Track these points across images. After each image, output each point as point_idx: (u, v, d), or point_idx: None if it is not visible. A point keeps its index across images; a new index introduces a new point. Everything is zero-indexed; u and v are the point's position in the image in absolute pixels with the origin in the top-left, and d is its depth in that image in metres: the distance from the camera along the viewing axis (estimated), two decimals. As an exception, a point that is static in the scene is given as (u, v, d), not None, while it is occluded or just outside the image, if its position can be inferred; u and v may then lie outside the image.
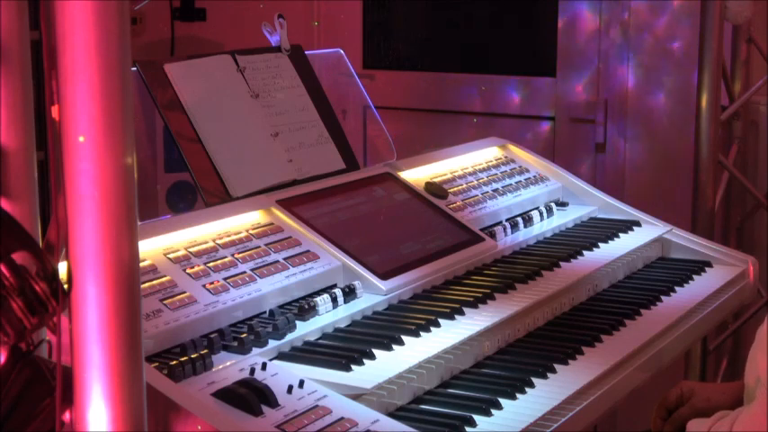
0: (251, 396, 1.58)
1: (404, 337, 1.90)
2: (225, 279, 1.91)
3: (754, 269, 2.66)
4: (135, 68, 2.19)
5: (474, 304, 2.08)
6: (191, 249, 1.94)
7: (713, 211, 3.57)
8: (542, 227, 2.65)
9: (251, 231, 2.07)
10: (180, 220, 2.05)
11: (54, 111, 1.20)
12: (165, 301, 1.79)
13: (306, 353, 1.83)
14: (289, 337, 1.85)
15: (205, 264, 1.93)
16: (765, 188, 3.78)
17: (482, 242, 2.40)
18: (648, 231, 2.72)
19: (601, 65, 3.96)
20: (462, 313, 2.04)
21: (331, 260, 2.10)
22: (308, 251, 2.09)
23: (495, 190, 2.68)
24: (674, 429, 2.22)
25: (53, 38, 1.17)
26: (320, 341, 1.90)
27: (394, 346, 1.87)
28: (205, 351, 1.72)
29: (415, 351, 1.86)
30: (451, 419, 1.71)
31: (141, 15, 4.14)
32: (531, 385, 1.86)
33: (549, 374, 1.91)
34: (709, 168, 3.55)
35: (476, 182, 2.67)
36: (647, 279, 2.51)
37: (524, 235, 2.57)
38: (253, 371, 1.69)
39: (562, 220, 2.73)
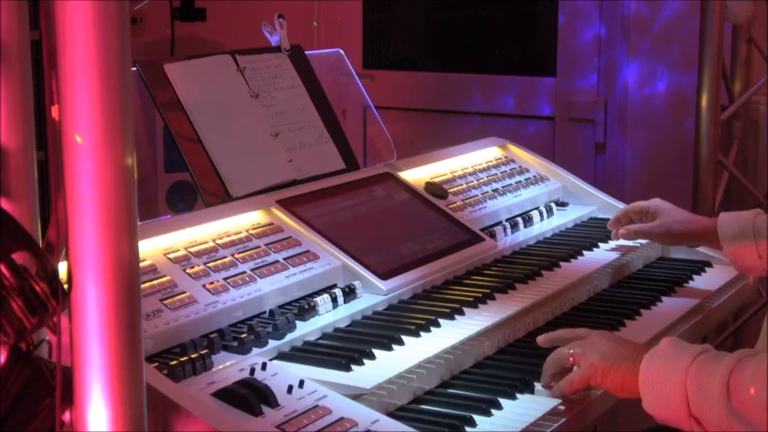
0: (251, 396, 1.58)
1: (404, 337, 1.90)
2: (225, 279, 1.91)
3: (755, 269, 2.65)
4: (135, 68, 2.19)
5: (474, 304, 2.08)
6: (191, 249, 1.94)
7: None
8: (542, 227, 2.65)
9: (251, 231, 2.07)
10: (180, 220, 2.05)
11: (54, 111, 1.20)
12: (165, 301, 1.79)
13: (306, 353, 1.83)
14: (289, 337, 1.85)
15: (205, 264, 1.92)
16: (765, 188, 3.78)
17: (482, 242, 2.39)
18: (648, 231, 2.71)
19: (601, 65, 3.95)
20: (462, 313, 2.04)
21: (331, 260, 2.10)
22: (307, 251, 2.09)
23: (495, 190, 2.67)
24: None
25: (53, 38, 1.17)
26: (320, 341, 1.90)
27: (394, 346, 1.87)
28: (205, 351, 1.72)
29: (415, 351, 1.86)
30: (451, 419, 1.70)
31: (141, 15, 4.14)
32: (531, 385, 1.86)
33: (549, 374, 1.91)
34: (709, 168, 3.55)
35: (476, 182, 2.67)
36: (647, 279, 2.50)
37: (524, 235, 2.57)
38: (253, 371, 1.69)
39: (562, 220, 2.73)
